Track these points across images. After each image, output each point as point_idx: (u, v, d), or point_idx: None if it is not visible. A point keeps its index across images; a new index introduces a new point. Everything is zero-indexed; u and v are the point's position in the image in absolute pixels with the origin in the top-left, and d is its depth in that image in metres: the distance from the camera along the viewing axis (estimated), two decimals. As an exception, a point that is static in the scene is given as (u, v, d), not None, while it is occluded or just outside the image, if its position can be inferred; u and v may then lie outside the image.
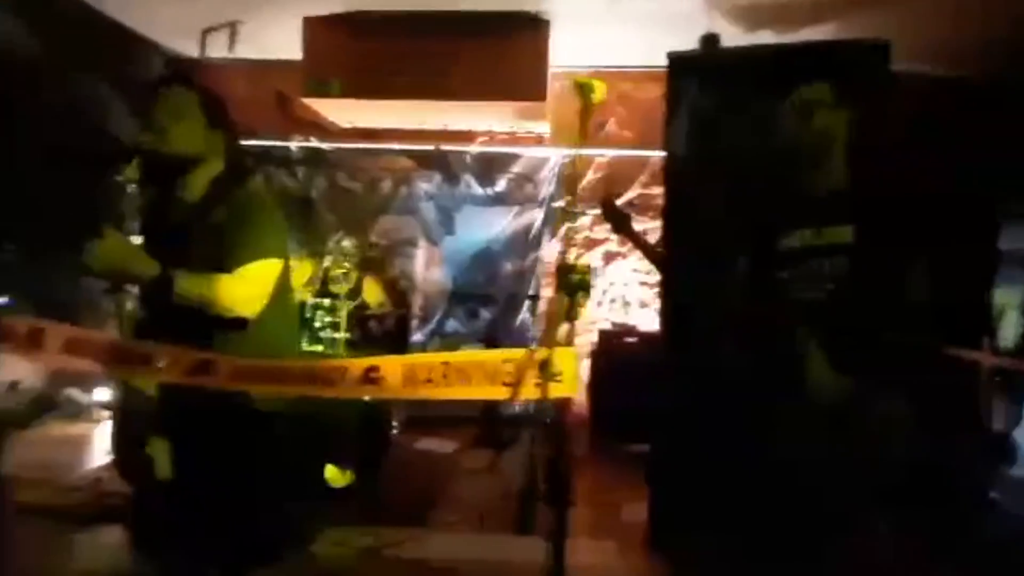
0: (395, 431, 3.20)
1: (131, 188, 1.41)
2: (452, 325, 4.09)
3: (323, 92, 3.34)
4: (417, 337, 4.02)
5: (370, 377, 0.93)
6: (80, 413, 3.84)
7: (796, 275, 2.00)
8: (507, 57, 3.12)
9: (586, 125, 1.03)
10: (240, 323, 1.27)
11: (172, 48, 3.84)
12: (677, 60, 2.41)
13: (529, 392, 0.90)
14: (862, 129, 2.05)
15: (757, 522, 1.90)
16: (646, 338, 3.56)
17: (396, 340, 3.73)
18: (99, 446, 3.34)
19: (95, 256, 1.14)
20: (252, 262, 1.27)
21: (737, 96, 2.31)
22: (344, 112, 3.70)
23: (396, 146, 4.01)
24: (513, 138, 4.00)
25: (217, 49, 3.54)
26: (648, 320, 3.93)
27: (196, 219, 1.37)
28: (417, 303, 4.05)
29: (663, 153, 3.85)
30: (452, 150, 3.99)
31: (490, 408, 3.69)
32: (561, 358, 0.92)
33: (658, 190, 4.08)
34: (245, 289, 1.25)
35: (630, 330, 3.61)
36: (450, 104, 3.33)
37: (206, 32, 3.47)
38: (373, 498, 2.64)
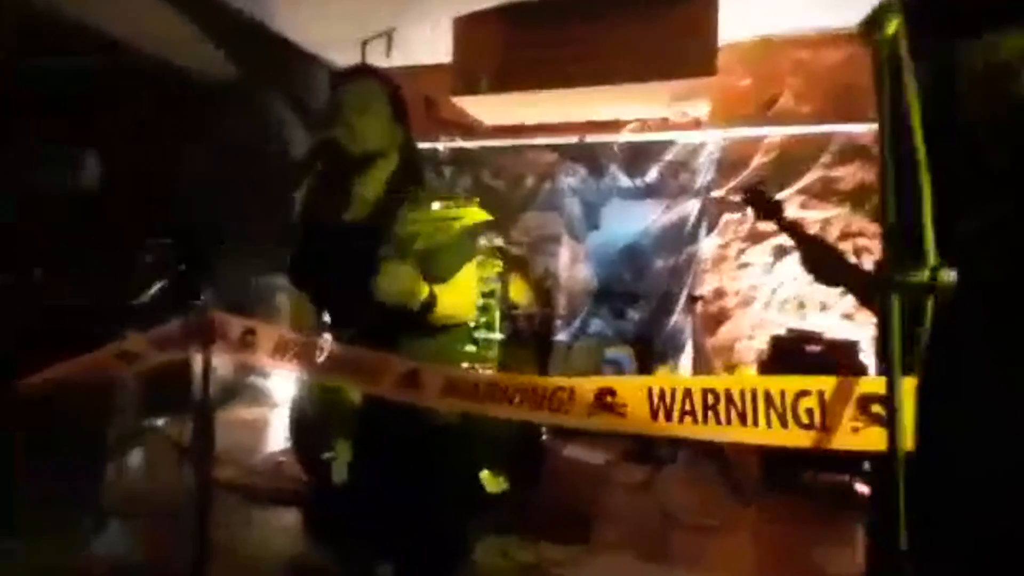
0: (543, 436, 3.07)
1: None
2: (596, 325, 3.86)
3: (473, 89, 3.30)
4: (561, 337, 3.86)
5: (605, 403, 0.74)
6: (260, 399, 4.28)
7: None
8: (671, 31, 2.82)
9: (884, 81, 0.71)
10: (433, 330, 1.20)
11: (334, 61, 4.10)
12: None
13: (844, 440, 0.63)
14: None
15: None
16: (834, 347, 3.01)
17: (543, 341, 3.61)
18: (277, 430, 3.67)
19: (389, 283, 1.06)
20: (463, 267, 1.21)
21: (976, 48, 1.79)
22: (490, 110, 3.66)
23: (540, 141, 3.88)
24: (665, 124, 3.66)
25: (374, 58, 3.68)
26: (830, 325, 3.36)
27: (375, 218, 1.30)
28: (560, 302, 3.89)
29: (866, 126, 3.28)
30: (598, 141, 3.75)
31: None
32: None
33: (841, 172, 3.48)
34: (462, 296, 1.19)
35: (812, 337, 3.08)
36: (603, 91, 3.10)
37: (365, 43, 3.63)
38: (524, 506, 2.52)
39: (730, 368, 3.60)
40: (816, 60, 3.50)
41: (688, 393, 0.71)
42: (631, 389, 0.75)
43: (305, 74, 4.02)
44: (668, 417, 0.71)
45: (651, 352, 3.60)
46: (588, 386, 0.77)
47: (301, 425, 2.84)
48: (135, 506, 2.49)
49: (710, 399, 0.70)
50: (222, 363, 4.29)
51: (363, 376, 0.95)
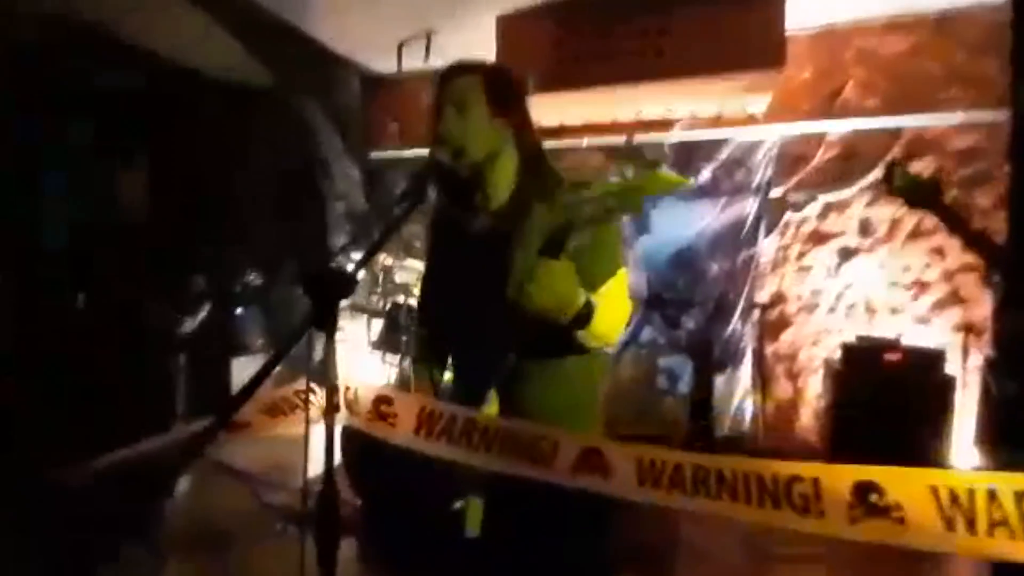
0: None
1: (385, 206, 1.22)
2: (648, 334, 3.69)
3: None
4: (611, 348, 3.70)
5: (871, 504, 0.57)
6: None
7: None
8: (735, 21, 2.63)
9: None
10: (565, 350, 1.03)
11: (370, 66, 3.95)
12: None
13: None
14: None
15: None
16: (916, 356, 2.82)
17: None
18: (320, 449, 3.55)
19: (542, 285, 0.86)
20: (613, 275, 1.01)
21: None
22: (534, 111, 3.48)
23: (585, 142, 3.70)
24: (718, 121, 3.47)
25: (412, 61, 3.53)
26: (902, 331, 3.16)
27: (506, 223, 1.13)
28: (610, 310, 3.73)
29: (938, 118, 3.03)
30: (648, 141, 3.57)
31: (701, 430, 3.25)
32: None
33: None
34: (618, 311, 1.00)
35: (890, 345, 2.89)
36: (658, 88, 2.92)
37: (402, 45, 3.47)
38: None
39: (793, 378, 3.42)
40: (882, 49, 3.28)
41: (993, 496, 0.55)
42: (904, 485, 0.59)
43: (340, 80, 3.88)
44: (971, 528, 0.55)
45: (708, 361, 3.43)
46: (841, 480, 0.61)
47: (356, 445, 2.70)
48: (190, 541, 2.37)
49: (1035, 506, 0.53)
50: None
51: (531, 457, 0.78)
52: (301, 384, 1.01)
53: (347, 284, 0.81)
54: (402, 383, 3.33)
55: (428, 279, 1.25)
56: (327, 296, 0.80)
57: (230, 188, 3.57)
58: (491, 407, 1.01)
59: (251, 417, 1.01)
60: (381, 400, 0.90)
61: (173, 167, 2.89)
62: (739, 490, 0.63)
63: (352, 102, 3.91)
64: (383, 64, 3.84)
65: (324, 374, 0.84)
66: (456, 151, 1.11)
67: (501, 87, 1.17)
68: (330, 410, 0.83)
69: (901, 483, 0.59)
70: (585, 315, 0.93)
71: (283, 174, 3.67)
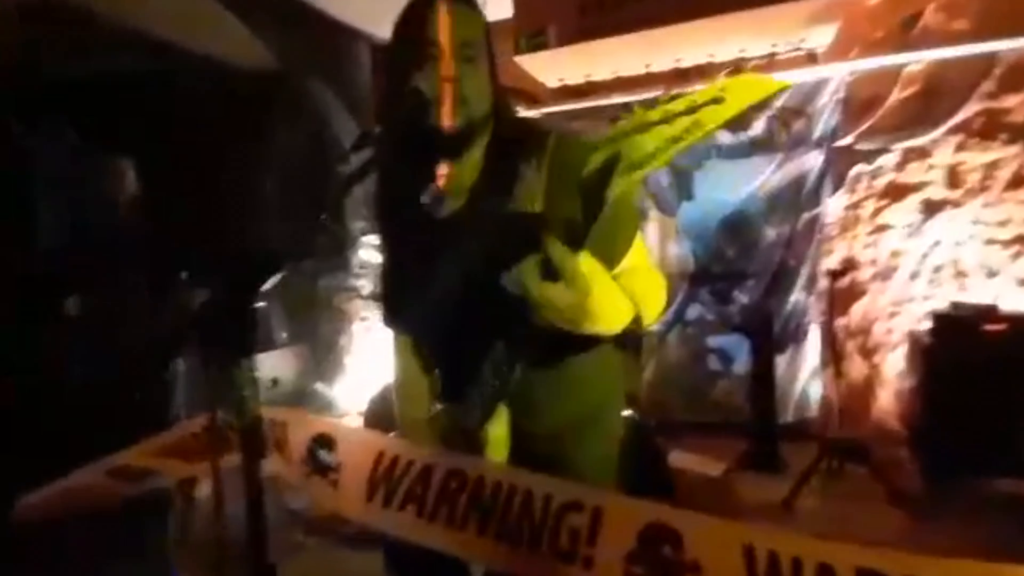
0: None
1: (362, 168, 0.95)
2: (696, 311, 3.33)
3: (538, 44, 2.78)
4: (654, 327, 3.36)
5: None
6: (324, 408, 4.03)
7: None
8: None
9: None
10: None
11: (378, 35, 3.65)
12: None
13: None
14: None
15: None
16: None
17: (632, 338, 3.13)
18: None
19: (548, 293, 0.64)
20: (629, 249, 0.86)
21: None
22: (555, 68, 3.12)
23: (615, 100, 3.31)
24: (771, 62, 3.01)
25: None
26: (1001, 296, 2.69)
27: (488, 203, 0.89)
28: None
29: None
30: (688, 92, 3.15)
31: (764, 413, 2.89)
32: None
33: (1011, 101, 2.75)
34: (651, 295, 0.86)
35: (991, 312, 2.45)
36: (699, 27, 2.51)
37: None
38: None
39: (868, 355, 3.00)
40: (971, -40, 2.75)
41: None
42: None
43: (348, 52, 3.60)
44: None
45: (767, 338, 3.04)
46: None
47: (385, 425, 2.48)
48: (205, 555, 2.22)
49: None
50: (283, 373, 4.04)
51: (552, 545, 0.49)
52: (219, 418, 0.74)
53: (267, 266, 0.55)
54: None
55: (392, 273, 1.00)
56: (240, 286, 0.54)
57: (241, 178, 3.38)
58: (498, 429, 0.76)
59: (152, 463, 0.74)
60: (320, 441, 0.61)
61: (172, 160, 2.70)
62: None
63: (363, 77, 3.63)
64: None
65: (237, 406, 0.56)
66: (463, 98, 0.85)
67: (491, 35, 0.93)
68: (249, 456, 0.55)
69: None
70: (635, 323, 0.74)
71: (295, 159, 3.45)
